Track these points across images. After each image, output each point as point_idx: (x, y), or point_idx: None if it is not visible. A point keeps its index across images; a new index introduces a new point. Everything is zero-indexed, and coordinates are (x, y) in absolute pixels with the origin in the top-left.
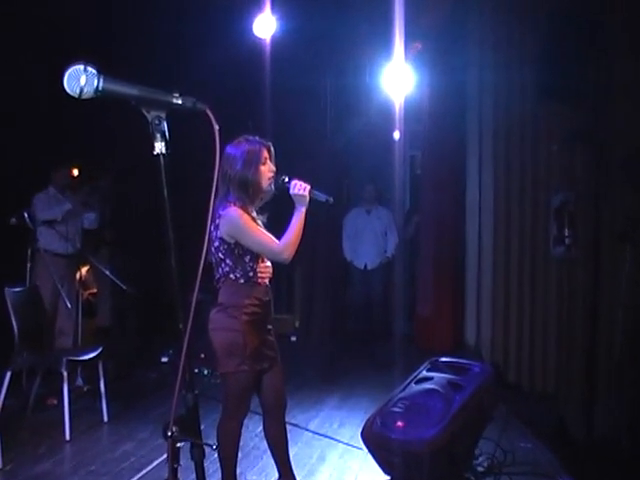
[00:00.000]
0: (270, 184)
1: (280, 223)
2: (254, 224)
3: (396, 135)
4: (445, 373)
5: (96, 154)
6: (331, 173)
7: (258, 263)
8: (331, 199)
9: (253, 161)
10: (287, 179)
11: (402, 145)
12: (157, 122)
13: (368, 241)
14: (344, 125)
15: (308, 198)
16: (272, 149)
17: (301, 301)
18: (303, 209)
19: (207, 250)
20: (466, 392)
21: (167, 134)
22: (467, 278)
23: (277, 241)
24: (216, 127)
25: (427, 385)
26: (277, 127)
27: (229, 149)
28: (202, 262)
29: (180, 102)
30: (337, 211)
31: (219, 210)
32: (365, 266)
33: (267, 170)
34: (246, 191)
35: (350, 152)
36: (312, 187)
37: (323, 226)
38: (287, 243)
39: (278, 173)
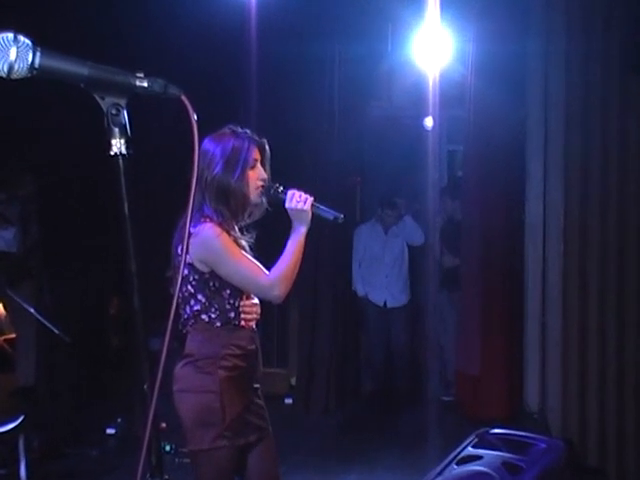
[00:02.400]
0: (260, 196)
1: (271, 245)
2: (236, 248)
3: (428, 123)
4: (498, 450)
5: (14, 150)
6: (340, 176)
7: (241, 300)
8: (341, 216)
9: (238, 162)
10: (282, 188)
11: (437, 137)
12: (115, 112)
13: (387, 269)
14: (357, 111)
15: (310, 214)
16: (267, 149)
17: (299, 350)
18: (303, 229)
19: (181, 281)
20: (528, 477)
21: (128, 128)
22: (527, 323)
23: (267, 272)
24: (194, 118)
25: (474, 467)
26: (266, 114)
27: (208, 143)
28: (175, 298)
29: (146, 85)
30: (347, 226)
31: (190, 227)
32: (385, 303)
33: (256, 177)
34: (226, 202)
35: (366, 147)
36: (315, 199)
37: (328, 247)
38: (280, 276)
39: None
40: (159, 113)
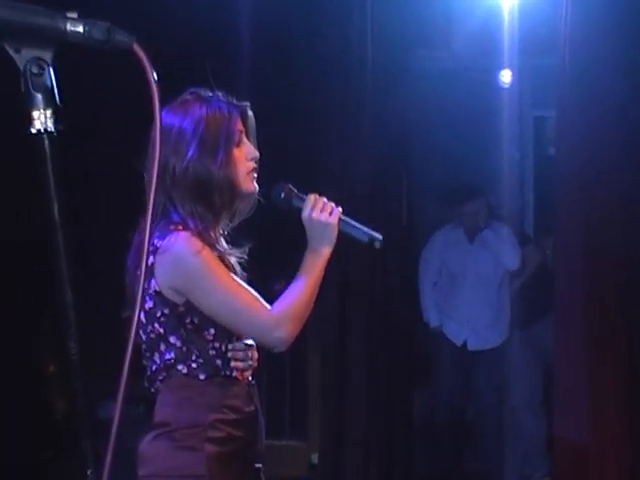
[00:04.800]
0: (253, 182)
1: (275, 267)
2: (224, 269)
3: (505, 78)
4: None
5: None
6: (375, 164)
7: (230, 341)
8: (379, 239)
9: (219, 139)
10: (295, 191)
11: (517, 98)
12: (36, 71)
13: (470, 293)
14: (400, 66)
15: (336, 231)
16: (250, 115)
17: (322, 414)
18: (324, 251)
19: (140, 318)
20: None
21: (57, 94)
22: None
23: (267, 306)
24: (152, 77)
25: None
26: (263, 78)
27: (169, 116)
28: (130, 341)
29: (81, 30)
30: (390, 230)
31: (154, 239)
32: (464, 343)
33: (244, 156)
34: (207, 200)
35: (413, 118)
36: (344, 211)
37: (360, 260)
38: (287, 311)
39: (271, 173)
40: (102, 71)
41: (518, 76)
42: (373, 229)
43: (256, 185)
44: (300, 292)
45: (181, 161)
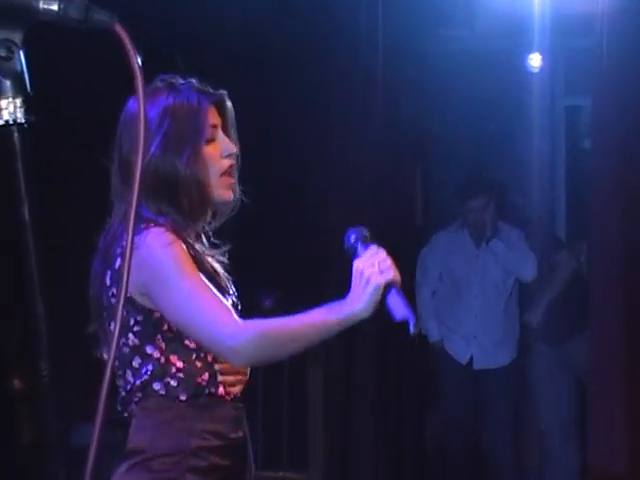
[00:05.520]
0: (228, 189)
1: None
2: (193, 265)
3: (535, 62)
4: None
5: None
6: (386, 158)
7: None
8: (414, 326)
9: (186, 135)
10: (368, 236)
11: (548, 84)
12: (4, 54)
13: (477, 304)
14: (416, 48)
15: (378, 297)
16: (229, 105)
17: (325, 442)
18: (353, 310)
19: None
20: None
21: (27, 80)
22: None
23: (235, 315)
24: (136, 61)
25: None
26: (263, 63)
27: (135, 106)
28: (111, 359)
29: (55, 8)
30: (406, 232)
31: (122, 241)
32: (470, 361)
33: (218, 153)
34: (174, 201)
35: (431, 107)
36: (399, 283)
37: None
38: (263, 329)
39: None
40: (80, 55)
41: (549, 60)
42: (381, 228)
43: (232, 192)
44: (290, 327)
45: (146, 157)
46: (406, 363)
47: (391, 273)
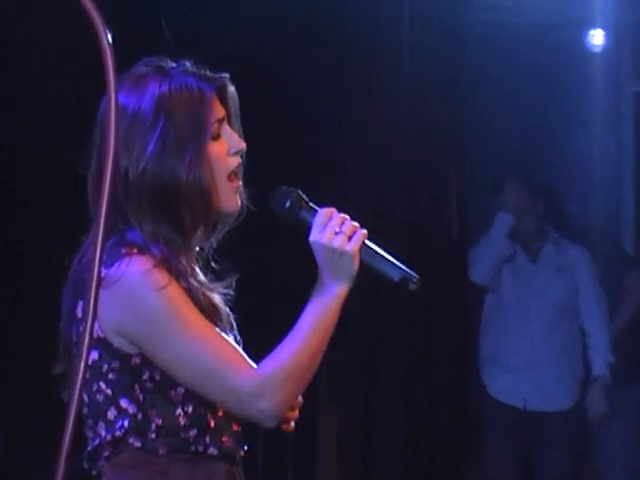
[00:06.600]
0: (235, 195)
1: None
2: (195, 309)
3: (596, 39)
4: None
5: None
6: (413, 159)
7: (211, 406)
8: (415, 277)
9: (188, 131)
10: (306, 199)
11: (613, 67)
12: None
13: (534, 332)
14: (450, 21)
15: (358, 262)
16: (232, 90)
17: None
18: (338, 289)
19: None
20: None
21: None
22: None
23: (252, 364)
24: (106, 39)
25: None
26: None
27: (119, 96)
28: (72, 409)
29: None
30: (436, 246)
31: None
32: (524, 404)
33: (225, 151)
34: (174, 216)
35: (469, 94)
36: (369, 234)
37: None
38: (277, 372)
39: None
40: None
41: (614, 37)
42: (410, 245)
43: (239, 199)
44: (300, 346)
45: (136, 161)
46: (439, 403)
47: (358, 233)
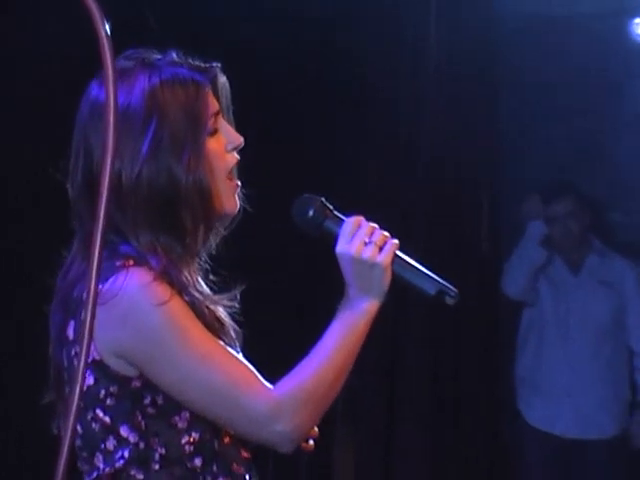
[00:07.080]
0: (234, 195)
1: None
2: (200, 325)
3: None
4: None
5: None
6: (439, 165)
7: (217, 431)
8: (453, 291)
9: (184, 128)
10: (331, 208)
11: None
12: None
13: (576, 352)
14: (479, 9)
15: (388, 277)
16: (223, 81)
17: None
18: (368, 306)
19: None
20: None
21: None
22: None
23: (266, 384)
24: (103, 29)
25: None
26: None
27: (100, 92)
28: (66, 438)
29: None
30: (465, 261)
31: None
32: (563, 433)
33: (222, 147)
34: (174, 222)
35: (502, 92)
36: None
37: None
38: (294, 394)
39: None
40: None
41: None
42: (438, 256)
43: (237, 200)
44: (322, 364)
45: (130, 164)
46: (466, 436)
47: (390, 243)
